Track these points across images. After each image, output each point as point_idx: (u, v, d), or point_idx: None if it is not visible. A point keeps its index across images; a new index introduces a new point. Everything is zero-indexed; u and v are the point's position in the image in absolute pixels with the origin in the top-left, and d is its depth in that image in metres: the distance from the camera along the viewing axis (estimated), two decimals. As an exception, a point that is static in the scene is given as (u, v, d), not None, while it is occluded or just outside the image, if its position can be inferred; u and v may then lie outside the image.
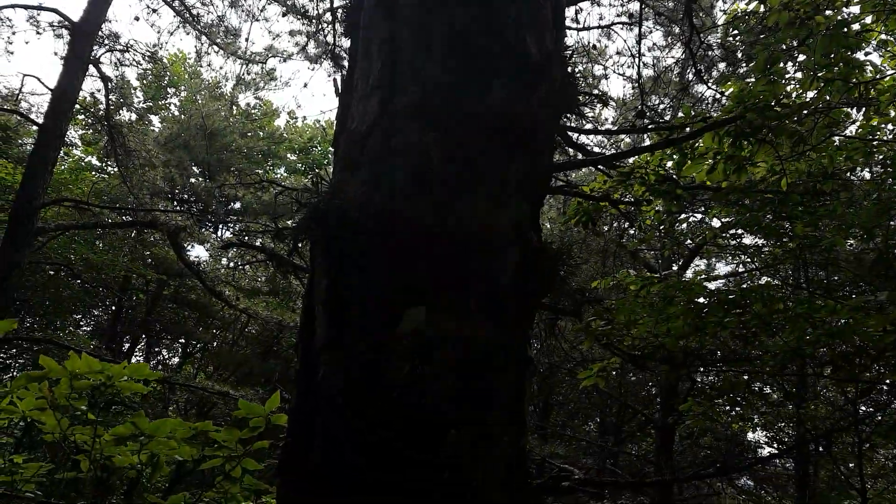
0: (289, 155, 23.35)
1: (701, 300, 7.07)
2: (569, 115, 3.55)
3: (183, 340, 18.19)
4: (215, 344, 18.76)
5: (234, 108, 18.95)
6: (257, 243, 11.72)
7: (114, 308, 16.08)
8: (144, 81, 19.09)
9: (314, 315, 1.50)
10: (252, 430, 2.12)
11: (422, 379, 1.27)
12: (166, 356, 19.87)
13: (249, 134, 20.79)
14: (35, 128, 11.40)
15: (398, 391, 1.31)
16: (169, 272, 13.50)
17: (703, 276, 7.23)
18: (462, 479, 1.26)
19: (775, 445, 11.51)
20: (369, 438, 1.23)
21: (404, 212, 1.35)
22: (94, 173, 16.66)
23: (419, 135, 1.41)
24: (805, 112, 5.84)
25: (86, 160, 18.01)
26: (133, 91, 18.32)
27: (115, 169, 12.70)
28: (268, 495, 2.57)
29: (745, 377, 9.58)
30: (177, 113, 20.37)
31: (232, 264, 16.93)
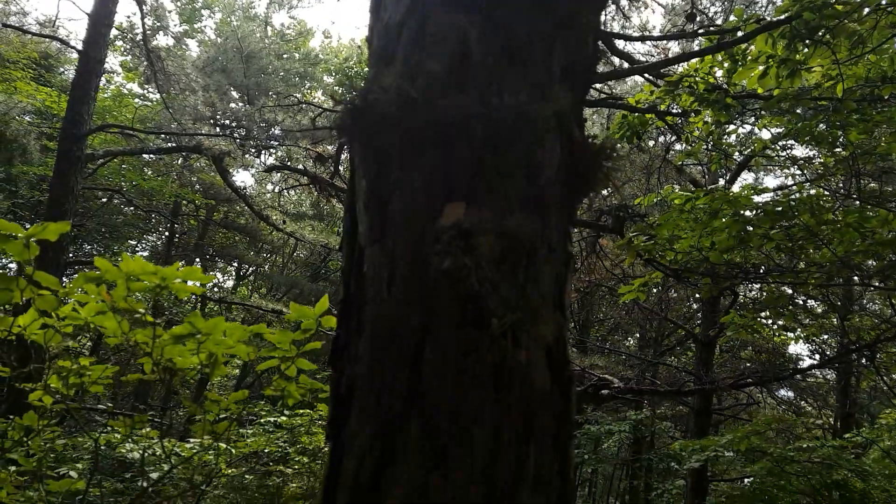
0: (325, 77, 23.12)
1: (747, 213, 6.91)
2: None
3: (235, 264, 18.76)
4: (266, 268, 19.30)
5: (269, 28, 18.69)
6: (299, 167, 11.80)
7: (167, 234, 16.58)
8: (179, 3, 18.89)
9: (356, 216, 1.51)
10: (304, 332, 2.20)
11: (464, 269, 1.28)
12: (221, 280, 20.58)
13: (285, 56, 20.57)
14: (75, 55, 11.47)
15: (440, 282, 1.32)
16: (217, 198, 13.77)
17: (751, 190, 7.02)
18: (504, 361, 1.29)
19: (817, 358, 11.47)
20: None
21: (442, 103, 1.32)
22: (136, 100, 16.83)
23: (457, 19, 1.37)
24: (866, 10, 5.47)
25: (127, 87, 18.16)
26: (168, 14, 18.16)
27: (157, 95, 12.79)
28: (323, 394, 2.69)
29: (789, 291, 9.46)
30: (213, 36, 20.21)
31: (277, 189, 17.16)
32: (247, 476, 8.16)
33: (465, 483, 1.28)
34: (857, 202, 7.50)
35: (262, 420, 8.80)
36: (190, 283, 1.79)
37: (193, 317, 1.78)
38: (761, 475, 11.89)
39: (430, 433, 1.30)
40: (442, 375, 1.31)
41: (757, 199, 7.17)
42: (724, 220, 6.86)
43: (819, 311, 10.35)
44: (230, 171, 12.71)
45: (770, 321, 9.27)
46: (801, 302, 9.17)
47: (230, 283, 19.50)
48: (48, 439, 2.74)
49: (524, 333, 1.34)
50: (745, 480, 13.27)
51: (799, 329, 10.18)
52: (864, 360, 11.97)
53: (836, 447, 10.45)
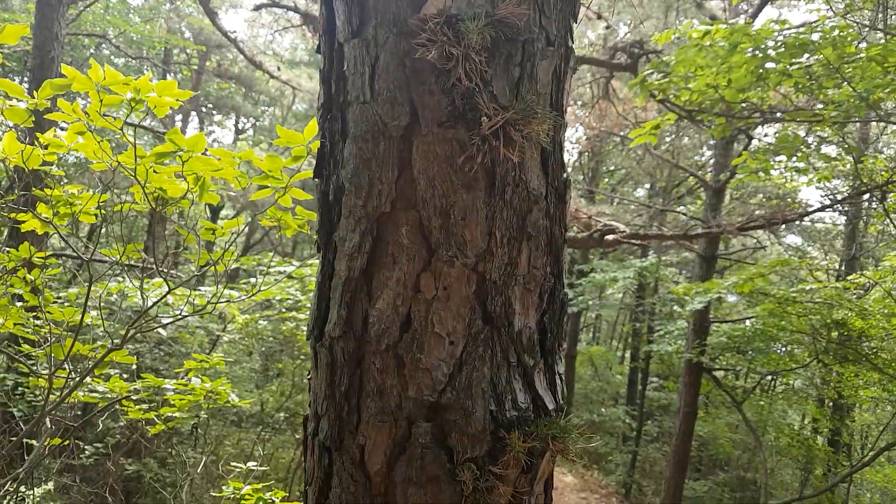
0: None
1: (768, 45, 6.53)
2: None
3: (233, 118, 18.39)
4: (266, 122, 18.91)
5: None
6: (290, 3, 11.12)
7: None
8: None
9: (333, 7, 1.37)
10: (295, 158, 2.11)
11: (451, 60, 1.17)
12: (219, 134, 20.26)
13: None
14: None
15: (426, 76, 1.22)
16: (208, 44, 13.20)
17: (773, 24, 6.58)
18: (495, 162, 1.23)
19: (828, 202, 11.39)
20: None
21: None
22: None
23: None
24: None
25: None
26: None
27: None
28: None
29: (803, 135, 9.19)
30: None
31: (269, 34, 16.37)
32: (260, 322, 8.47)
33: (456, 281, 1.26)
34: (883, 35, 7.06)
35: (272, 270, 9.01)
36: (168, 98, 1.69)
37: (173, 133, 1.71)
38: (763, 317, 12.24)
39: (421, 233, 1.26)
40: (431, 176, 1.25)
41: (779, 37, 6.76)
42: (742, 55, 6.52)
43: (833, 155, 10.11)
44: (218, 12, 12.05)
45: (782, 162, 9.08)
46: (814, 144, 8.91)
47: (229, 139, 19.26)
48: (51, 276, 2.76)
49: (517, 133, 1.26)
50: (746, 322, 13.74)
51: (811, 172, 10.02)
52: (874, 202, 11.88)
53: (839, 288, 10.64)
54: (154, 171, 2.01)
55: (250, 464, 3.06)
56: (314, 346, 1.39)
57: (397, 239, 1.27)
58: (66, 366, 2.15)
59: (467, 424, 1.25)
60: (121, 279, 5.82)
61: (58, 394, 2.12)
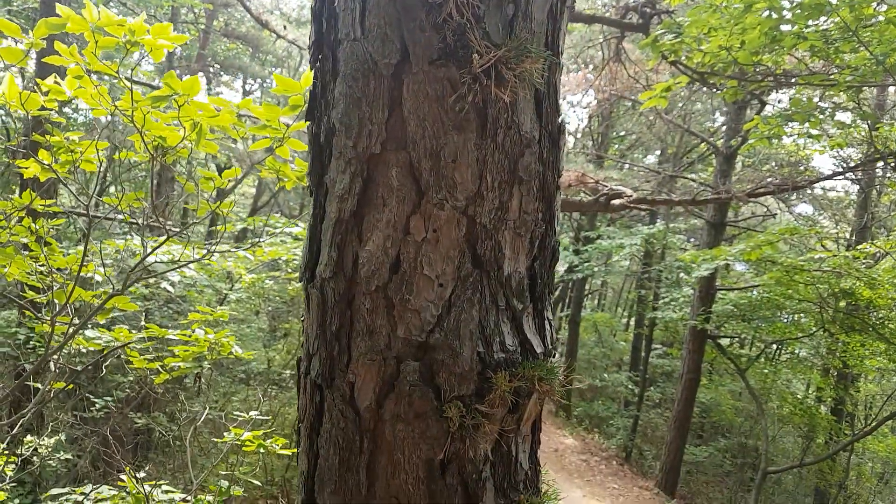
0: None
1: (784, 4, 6.39)
2: None
3: (240, 78, 18.25)
4: (274, 84, 18.68)
5: None
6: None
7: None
8: None
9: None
10: (293, 108, 2.10)
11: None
12: (227, 95, 20.12)
13: None
14: None
15: (417, 12, 1.20)
16: (215, 2, 13.04)
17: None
18: (487, 102, 1.22)
19: (841, 169, 11.25)
20: None
21: None
22: None
23: None
24: None
25: None
26: None
27: None
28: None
29: (817, 100, 9.02)
30: None
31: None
32: (267, 282, 8.53)
33: (446, 224, 1.27)
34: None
35: (278, 231, 9.04)
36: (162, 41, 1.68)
37: (168, 77, 1.70)
38: (770, 285, 12.21)
39: (411, 174, 1.26)
40: (421, 116, 1.24)
41: (796, -4, 6.60)
42: (757, 16, 6.38)
43: (847, 122, 9.95)
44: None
45: (796, 131, 8.94)
46: (829, 110, 8.75)
47: (237, 100, 18.97)
48: (57, 228, 2.78)
49: (509, 72, 1.25)
50: (753, 291, 13.71)
51: (825, 139, 9.87)
52: (888, 171, 11.73)
53: (848, 257, 10.58)
54: (152, 118, 2.01)
55: (252, 413, 3.12)
56: (306, 288, 1.41)
57: (387, 181, 1.27)
58: (68, 311, 2.18)
59: (455, 364, 1.26)
60: (129, 237, 5.85)
61: (60, 338, 2.16)
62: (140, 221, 2.70)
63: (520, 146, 1.30)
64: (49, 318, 2.13)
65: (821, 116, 8.56)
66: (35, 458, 5.46)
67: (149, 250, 2.42)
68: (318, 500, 1.35)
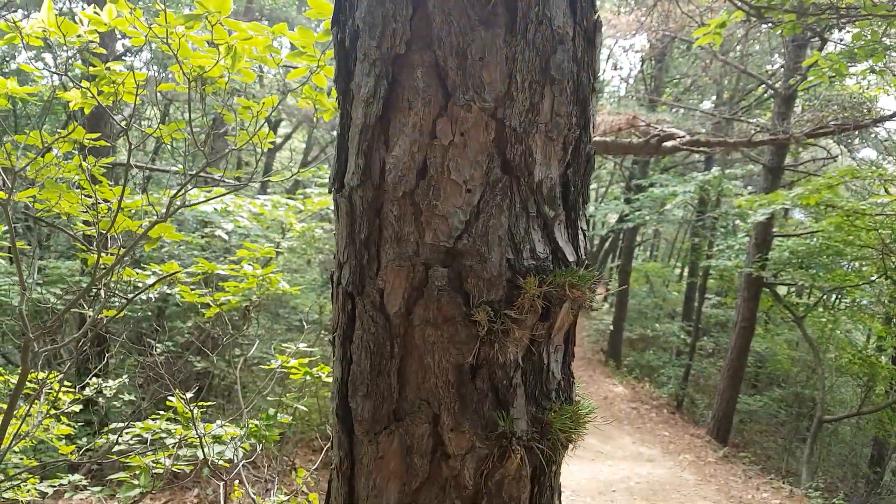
0: None
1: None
2: None
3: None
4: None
5: None
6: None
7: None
8: None
9: None
10: (327, 33, 2.08)
11: None
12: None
13: None
14: None
15: None
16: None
17: None
18: None
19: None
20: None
21: None
22: None
23: None
24: None
25: None
26: None
27: None
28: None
29: (881, 35, 8.44)
30: None
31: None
32: (317, 230, 8.67)
33: (473, 127, 1.24)
34: None
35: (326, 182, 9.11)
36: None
37: (200, -3, 1.70)
38: (829, 232, 11.76)
39: (437, 75, 1.23)
40: (447, 11, 1.20)
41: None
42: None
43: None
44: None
45: (860, 72, 8.44)
46: (894, 44, 8.19)
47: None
48: (106, 164, 2.85)
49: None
50: (812, 237, 13.22)
51: (890, 78, 9.30)
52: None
53: (914, 201, 10.05)
54: (189, 45, 2.02)
55: (300, 344, 3.21)
56: (335, 198, 1.41)
57: (412, 83, 1.24)
58: (117, 241, 2.26)
59: (483, 270, 1.25)
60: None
61: (107, 267, 2.25)
62: (186, 167, 2.75)
63: (552, 42, 1.25)
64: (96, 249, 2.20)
65: (884, 50, 8.05)
66: (100, 399, 5.78)
67: (190, 183, 2.47)
68: (352, 405, 1.38)
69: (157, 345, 9.98)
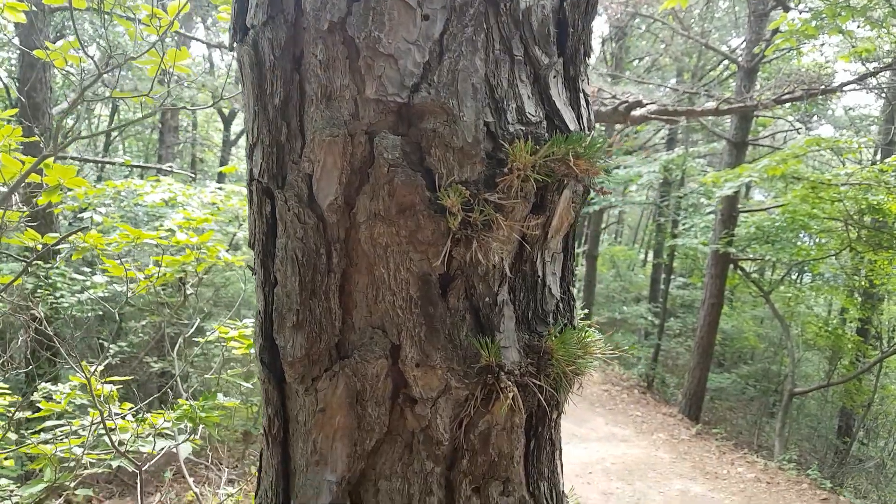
0: None
1: None
2: None
3: None
4: None
5: None
6: None
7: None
8: None
9: None
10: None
11: None
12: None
13: None
14: None
15: None
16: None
17: None
18: None
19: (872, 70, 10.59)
20: None
21: None
22: None
23: None
24: None
25: None
26: None
27: None
28: None
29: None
30: None
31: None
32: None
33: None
34: None
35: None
36: None
37: None
38: (794, 204, 11.75)
39: None
40: None
41: None
42: None
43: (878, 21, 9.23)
44: None
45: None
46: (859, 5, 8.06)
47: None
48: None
49: None
50: (776, 212, 13.19)
51: (853, 43, 9.21)
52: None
53: (876, 170, 10.03)
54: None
55: (247, 321, 2.81)
56: (237, 52, 1.01)
57: None
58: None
59: (452, 134, 0.88)
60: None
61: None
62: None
63: None
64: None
65: (851, 14, 7.93)
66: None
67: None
68: (278, 342, 1.00)
69: (111, 346, 9.41)
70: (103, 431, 2.11)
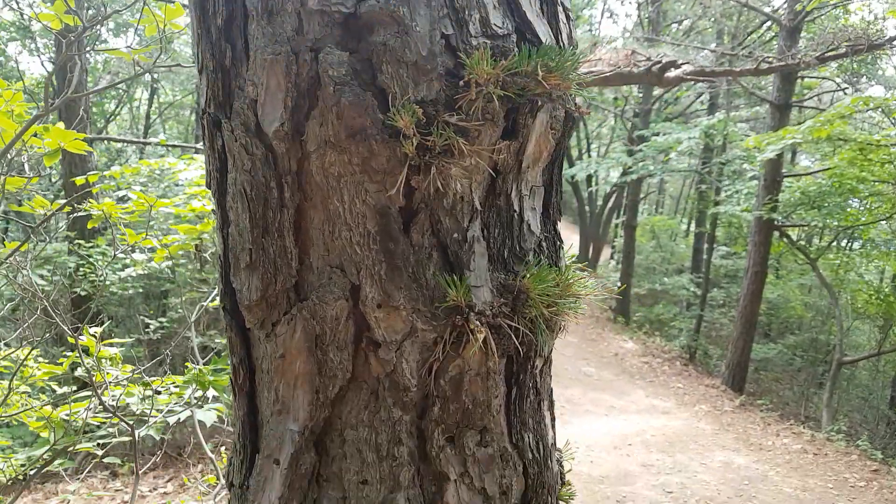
0: None
1: None
2: None
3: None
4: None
5: None
6: None
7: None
8: None
9: None
10: None
11: None
12: None
13: None
14: None
15: None
16: None
17: None
18: None
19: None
20: None
21: None
22: None
23: None
24: None
25: None
26: None
27: None
28: None
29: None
30: None
31: None
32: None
33: None
34: None
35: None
36: None
37: None
38: (841, 167, 11.27)
39: None
40: None
41: None
42: None
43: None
44: None
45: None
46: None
47: None
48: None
49: None
50: (823, 176, 12.65)
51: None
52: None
53: (930, 129, 9.52)
54: None
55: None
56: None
57: None
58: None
59: (404, 47, 0.79)
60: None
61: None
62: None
63: None
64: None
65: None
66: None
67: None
68: (234, 285, 0.93)
69: (150, 322, 9.63)
70: (113, 399, 2.11)
